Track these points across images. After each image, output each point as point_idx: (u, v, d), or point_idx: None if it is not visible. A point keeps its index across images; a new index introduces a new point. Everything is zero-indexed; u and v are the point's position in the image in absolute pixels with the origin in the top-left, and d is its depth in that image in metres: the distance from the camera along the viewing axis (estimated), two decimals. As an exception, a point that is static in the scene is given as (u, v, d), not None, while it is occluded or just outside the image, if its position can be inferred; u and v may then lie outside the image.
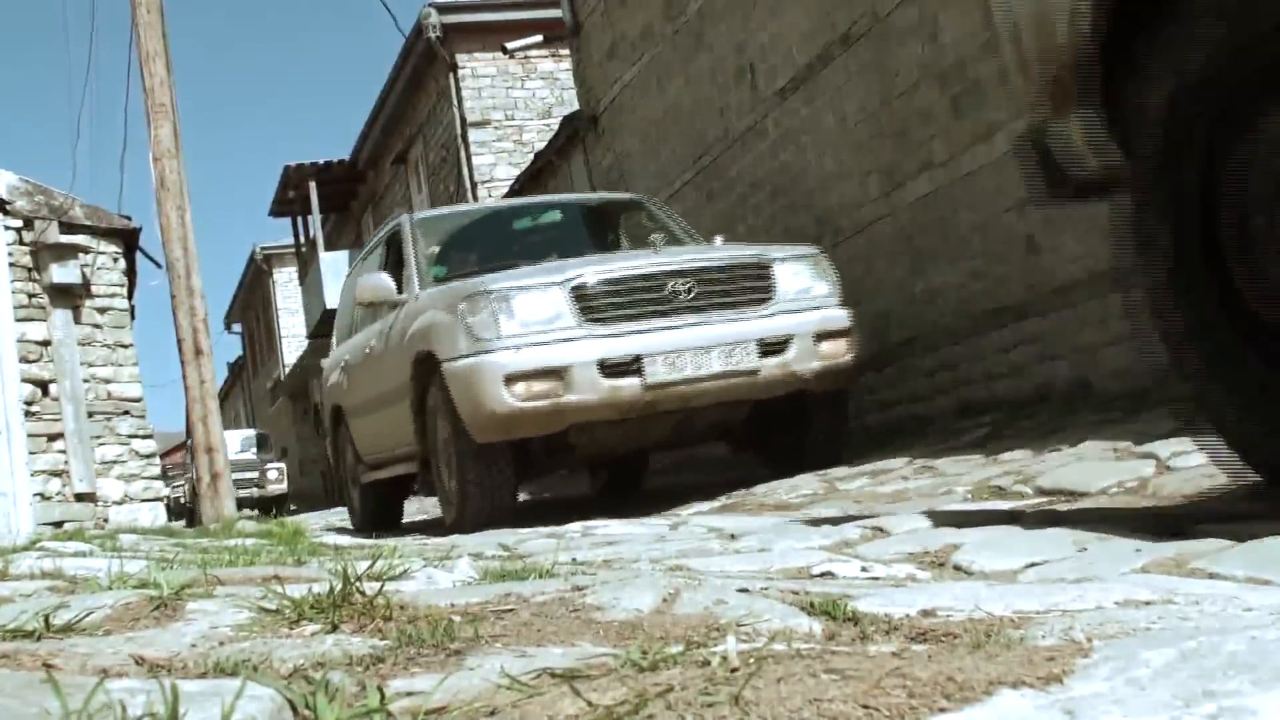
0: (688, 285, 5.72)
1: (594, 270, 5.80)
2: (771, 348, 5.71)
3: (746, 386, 5.71)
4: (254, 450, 27.18)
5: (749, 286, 5.88)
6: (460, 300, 5.74)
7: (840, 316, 6.01)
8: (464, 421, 5.65)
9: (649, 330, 5.60)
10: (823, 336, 5.86)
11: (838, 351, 5.90)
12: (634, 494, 7.87)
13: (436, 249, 7.33)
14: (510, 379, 5.46)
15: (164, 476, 19.44)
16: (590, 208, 8.36)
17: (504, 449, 5.75)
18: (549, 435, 5.78)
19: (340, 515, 13.79)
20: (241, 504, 19.74)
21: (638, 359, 5.50)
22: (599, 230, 7.97)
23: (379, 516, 7.82)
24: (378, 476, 7.61)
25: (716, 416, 6.02)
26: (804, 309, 5.90)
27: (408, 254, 6.99)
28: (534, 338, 5.55)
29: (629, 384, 5.49)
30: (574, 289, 5.64)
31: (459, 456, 5.82)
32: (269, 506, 19.58)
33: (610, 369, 5.49)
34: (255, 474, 25.60)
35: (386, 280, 6.87)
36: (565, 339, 5.55)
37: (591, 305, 5.63)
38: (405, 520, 8.34)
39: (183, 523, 13.82)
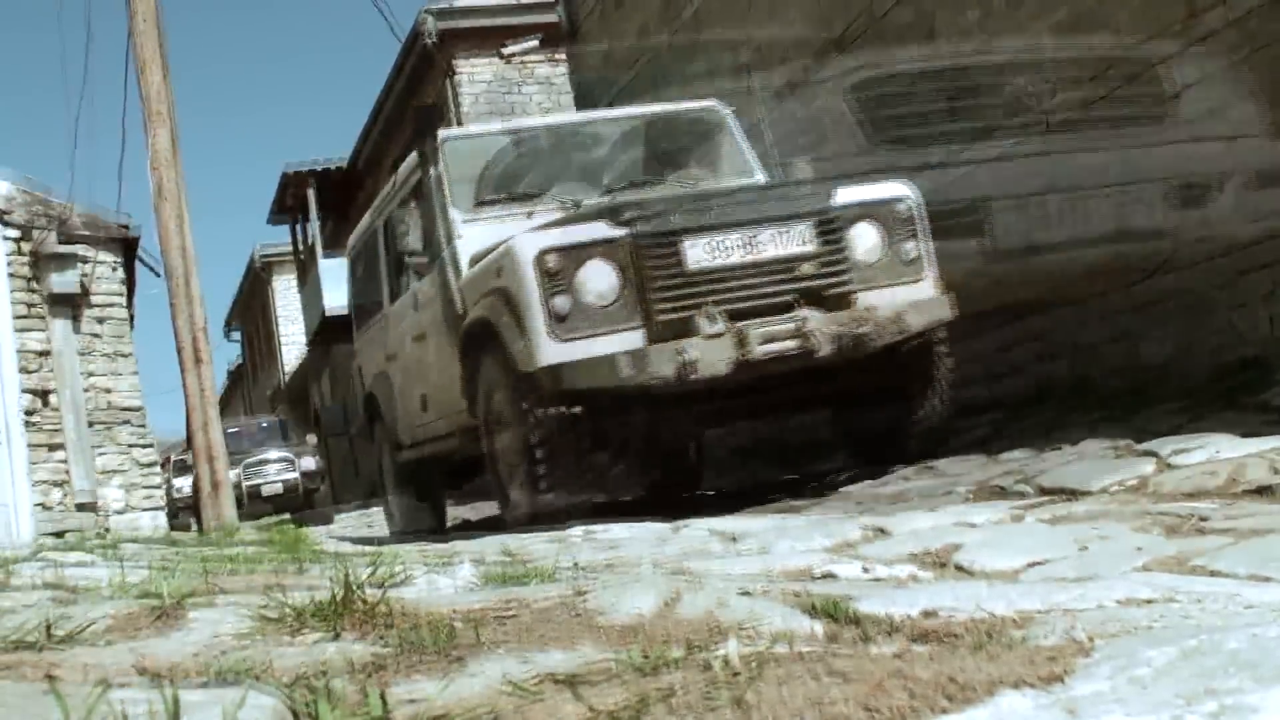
0: None
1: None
2: None
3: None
4: (280, 442, 21.24)
5: None
6: None
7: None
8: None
9: None
10: None
11: None
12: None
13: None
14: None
15: (175, 473, 18.98)
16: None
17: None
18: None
19: (342, 518, 13.73)
20: (275, 505, 18.34)
21: None
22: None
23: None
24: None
25: None
26: None
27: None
28: None
29: None
30: None
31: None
32: (301, 508, 17.77)
33: None
34: (289, 467, 19.82)
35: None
36: None
37: None
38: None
39: (191, 519, 13.44)
